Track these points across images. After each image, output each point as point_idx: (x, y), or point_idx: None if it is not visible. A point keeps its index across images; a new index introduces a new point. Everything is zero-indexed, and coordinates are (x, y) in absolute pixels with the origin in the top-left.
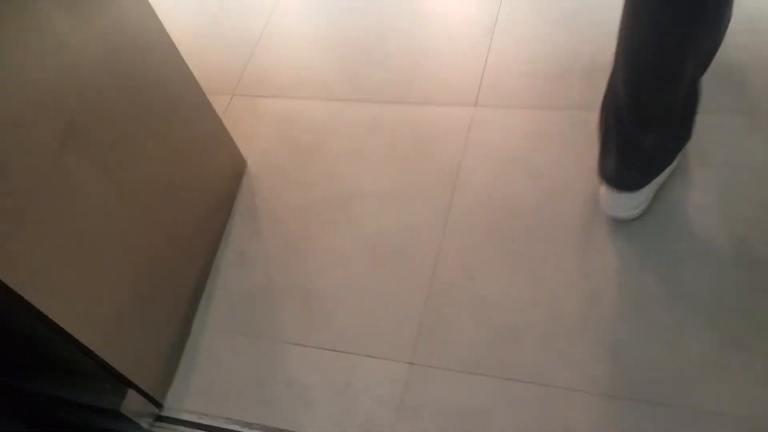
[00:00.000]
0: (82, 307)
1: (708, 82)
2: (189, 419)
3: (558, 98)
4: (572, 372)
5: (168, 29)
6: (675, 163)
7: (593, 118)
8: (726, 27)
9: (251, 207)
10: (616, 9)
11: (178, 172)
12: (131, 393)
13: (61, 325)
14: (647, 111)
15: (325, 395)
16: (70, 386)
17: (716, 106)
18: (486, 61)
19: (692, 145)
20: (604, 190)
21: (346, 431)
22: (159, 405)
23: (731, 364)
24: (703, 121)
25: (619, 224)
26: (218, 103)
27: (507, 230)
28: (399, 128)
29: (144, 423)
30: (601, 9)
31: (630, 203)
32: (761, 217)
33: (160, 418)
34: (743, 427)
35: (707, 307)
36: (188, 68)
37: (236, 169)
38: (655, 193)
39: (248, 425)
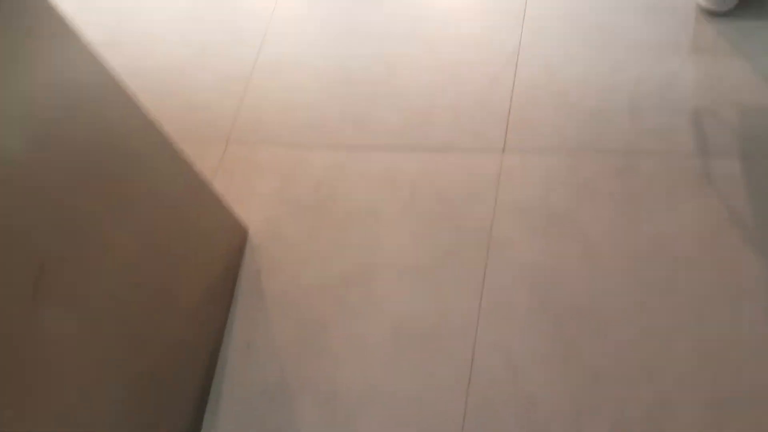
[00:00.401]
0: None
1: None
2: None
3: (599, 139)
4: None
5: (150, 66)
6: None
7: (641, 163)
8: None
9: (256, 286)
10: (661, 24)
11: (169, 268)
12: None
13: None
14: None
15: None
16: None
17: None
18: (512, 94)
19: None
20: None
21: None
22: None
23: None
24: None
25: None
26: (212, 154)
27: (553, 309)
28: (417, 181)
29: None
30: (640, 27)
31: None
32: None
33: None
34: None
35: None
36: (173, 148)
37: (236, 240)
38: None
39: None
